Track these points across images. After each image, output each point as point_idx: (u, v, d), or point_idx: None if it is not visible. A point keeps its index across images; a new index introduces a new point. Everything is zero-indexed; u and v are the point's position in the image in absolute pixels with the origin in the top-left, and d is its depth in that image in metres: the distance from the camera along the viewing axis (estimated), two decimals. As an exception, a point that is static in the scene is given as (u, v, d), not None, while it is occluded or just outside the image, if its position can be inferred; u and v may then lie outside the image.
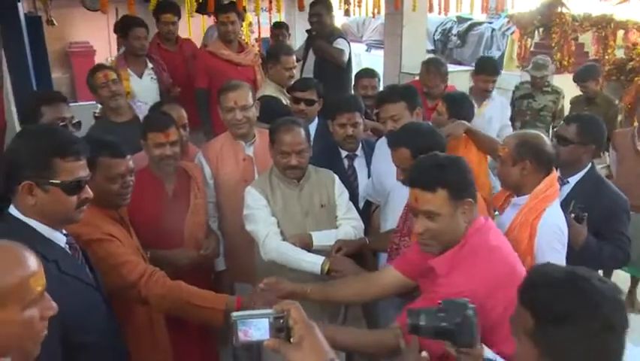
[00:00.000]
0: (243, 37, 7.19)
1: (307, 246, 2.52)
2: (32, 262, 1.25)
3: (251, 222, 2.57)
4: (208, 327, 2.89)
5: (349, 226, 2.64)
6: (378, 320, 3.03)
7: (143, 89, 4.21)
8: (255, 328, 1.16)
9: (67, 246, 1.77)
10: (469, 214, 1.83)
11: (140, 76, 4.27)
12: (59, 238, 1.75)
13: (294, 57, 4.05)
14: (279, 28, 6.13)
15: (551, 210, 2.32)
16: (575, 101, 5.03)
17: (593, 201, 2.58)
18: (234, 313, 1.18)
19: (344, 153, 3.11)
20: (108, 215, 2.18)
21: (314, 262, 2.45)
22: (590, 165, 2.76)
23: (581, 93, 4.95)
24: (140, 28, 4.25)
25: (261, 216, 2.55)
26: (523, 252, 2.21)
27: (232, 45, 4.52)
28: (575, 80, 5.02)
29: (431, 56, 4.74)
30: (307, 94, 3.38)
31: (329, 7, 5.11)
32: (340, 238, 2.58)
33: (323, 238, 2.56)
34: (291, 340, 1.15)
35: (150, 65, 4.35)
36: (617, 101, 4.91)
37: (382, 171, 2.83)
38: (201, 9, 5.07)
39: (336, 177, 2.73)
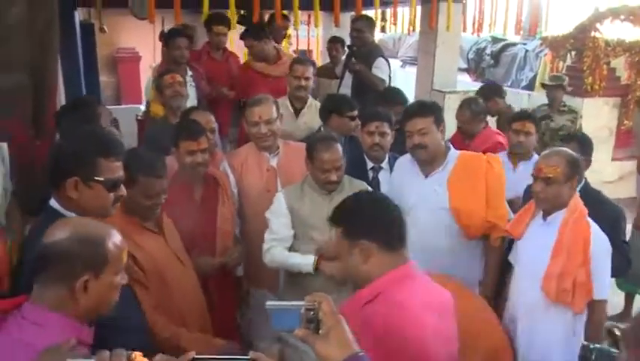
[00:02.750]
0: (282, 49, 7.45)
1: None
2: (122, 239, 1.53)
3: (268, 227, 2.75)
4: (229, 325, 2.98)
5: None
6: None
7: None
8: (287, 318, 1.21)
9: None
10: (365, 257, 1.63)
11: (180, 83, 4.54)
12: None
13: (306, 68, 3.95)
14: (333, 42, 5.93)
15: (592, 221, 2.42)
16: None
17: (594, 211, 2.60)
18: (269, 303, 1.24)
19: (370, 165, 3.24)
20: (139, 225, 2.29)
21: (307, 264, 2.62)
22: (584, 177, 2.88)
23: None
24: (181, 39, 4.55)
25: (272, 227, 2.72)
26: (580, 263, 2.34)
27: (269, 58, 4.70)
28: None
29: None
30: (356, 112, 3.47)
31: (371, 24, 5.11)
32: None
33: None
34: (320, 332, 1.18)
35: (189, 73, 4.59)
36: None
37: (404, 187, 2.91)
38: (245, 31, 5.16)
39: (369, 190, 2.77)
